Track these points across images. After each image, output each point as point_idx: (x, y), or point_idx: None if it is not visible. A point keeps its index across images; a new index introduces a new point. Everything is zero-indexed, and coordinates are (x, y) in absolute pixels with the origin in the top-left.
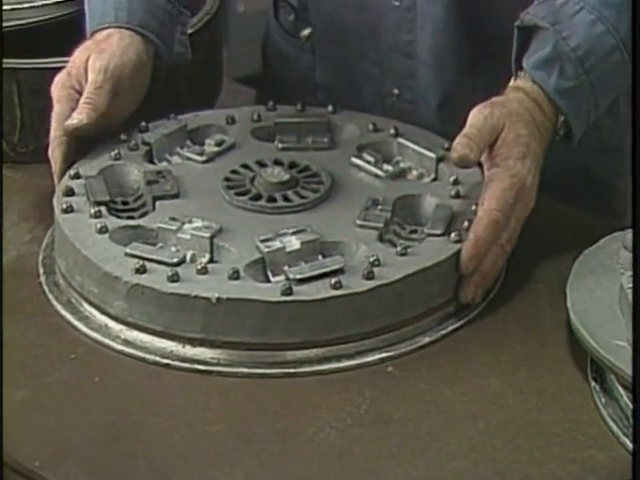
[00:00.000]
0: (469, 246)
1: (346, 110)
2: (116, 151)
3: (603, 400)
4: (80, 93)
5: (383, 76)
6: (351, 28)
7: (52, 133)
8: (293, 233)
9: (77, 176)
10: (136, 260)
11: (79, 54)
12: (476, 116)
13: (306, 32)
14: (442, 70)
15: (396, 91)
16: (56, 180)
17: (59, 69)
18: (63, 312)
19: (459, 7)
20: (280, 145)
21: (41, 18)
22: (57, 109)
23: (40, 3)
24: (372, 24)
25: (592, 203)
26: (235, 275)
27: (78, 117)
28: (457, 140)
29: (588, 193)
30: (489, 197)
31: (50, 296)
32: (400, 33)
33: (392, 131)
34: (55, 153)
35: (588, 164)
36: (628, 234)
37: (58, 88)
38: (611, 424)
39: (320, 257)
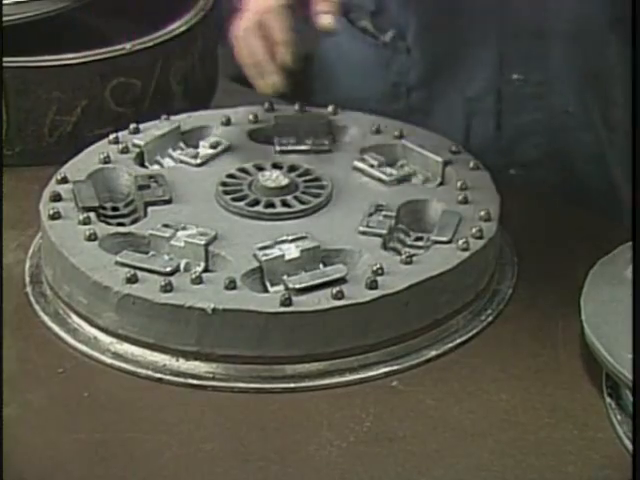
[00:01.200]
0: None
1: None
2: (105, 154)
3: (619, 417)
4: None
5: (502, 61)
6: (469, 13)
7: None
8: (292, 240)
9: (65, 180)
10: (127, 269)
11: None
12: None
13: (389, 34)
14: (580, 43)
15: (515, 76)
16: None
17: (45, 68)
18: (50, 324)
19: None
20: (279, 147)
21: (21, 16)
22: None
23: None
24: (495, 4)
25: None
26: (231, 285)
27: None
28: None
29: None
30: None
31: (37, 307)
32: (529, 8)
33: (396, 133)
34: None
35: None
36: None
37: None
38: (627, 442)
39: (321, 266)
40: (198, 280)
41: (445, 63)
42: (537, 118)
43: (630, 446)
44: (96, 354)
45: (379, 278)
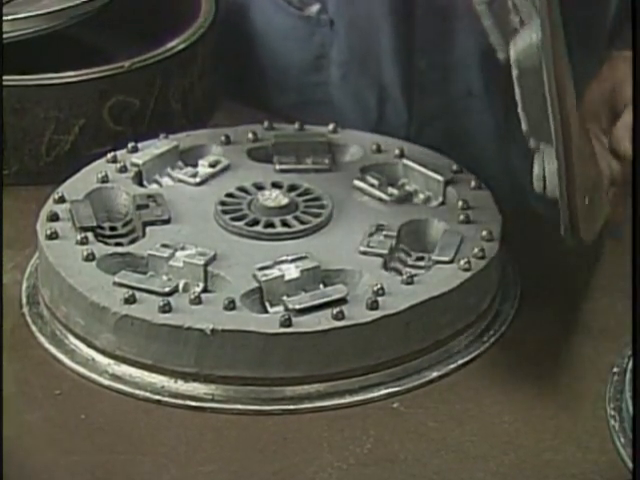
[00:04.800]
0: None
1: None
2: (103, 173)
3: (622, 440)
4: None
5: (412, 47)
6: None
7: None
8: (292, 261)
9: (62, 200)
10: (125, 289)
11: None
12: None
13: (314, 8)
14: (479, 29)
15: (424, 63)
16: None
17: (42, 86)
18: (47, 345)
19: None
20: (278, 166)
21: (17, 33)
22: None
23: (20, 16)
24: None
25: None
26: (231, 305)
27: None
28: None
29: None
30: None
31: (33, 328)
32: None
33: (397, 152)
34: None
35: None
36: None
37: None
38: (631, 465)
39: (321, 286)
40: (197, 301)
41: (363, 44)
42: (443, 101)
43: None
44: (94, 375)
45: (380, 298)
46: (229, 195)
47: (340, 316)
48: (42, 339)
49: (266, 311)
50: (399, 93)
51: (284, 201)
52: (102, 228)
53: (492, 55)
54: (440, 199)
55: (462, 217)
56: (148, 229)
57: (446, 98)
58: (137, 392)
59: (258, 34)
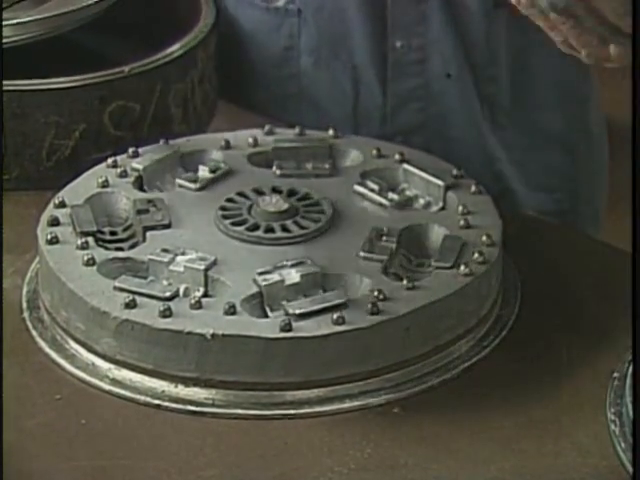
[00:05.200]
0: None
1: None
2: (104, 178)
3: (623, 445)
4: None
5: (385, 29)
6: None
7: None
8: (292, 265)
9: (62, 205)
10: (125, 294)
11: None
12: None
13: (280, 2)
14: (456, 12)
15: (399, 44)
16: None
17: (43, 91)
18: (47, 350)
19: None
20: (278, 171)
21: (17, 38)
22: None
23: (20, 20)
24: None
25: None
26: (231, 310)
27: None
28: None
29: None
30: None
31: (34, 333)
32: None
33: (397, 157)
34: None
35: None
36: None
37: None
38: (631, 470)
39: (321, 291)
40: (197, 305)
41: (333, 28)
42: (419, 83)
43: None
44: (94, 380)
45: (380, 303)
46: (229, 200)
47: (340, 321)
48: (42, 344)
49: (266, 316)
50: (373, 75)
51: (284, 206)
52: (102, 233)
53: (469, 37)
54: (440, 204)
55: (462, 222)
56: (148, 234)
57: (422, 80)
58: (137, 397)
59: (226, 30)
